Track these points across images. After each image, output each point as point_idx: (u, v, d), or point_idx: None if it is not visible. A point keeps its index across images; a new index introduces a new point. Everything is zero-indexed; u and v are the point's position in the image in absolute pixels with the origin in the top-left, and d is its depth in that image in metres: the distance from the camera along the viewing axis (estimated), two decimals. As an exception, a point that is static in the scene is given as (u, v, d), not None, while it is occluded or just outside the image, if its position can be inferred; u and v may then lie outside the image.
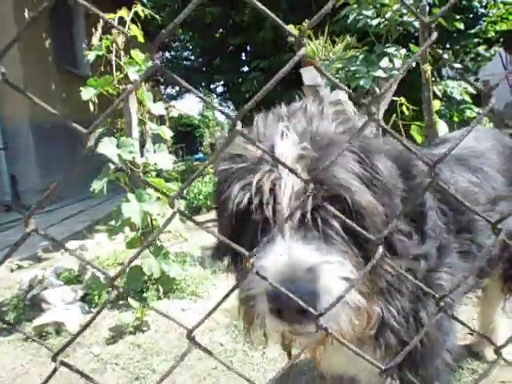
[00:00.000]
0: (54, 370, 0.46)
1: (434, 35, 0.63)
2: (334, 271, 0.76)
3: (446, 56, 7.17)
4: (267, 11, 0.51)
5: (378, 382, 1.00)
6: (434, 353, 1.03)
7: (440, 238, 1.03)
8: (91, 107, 8.55)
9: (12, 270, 3.98)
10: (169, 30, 0.48)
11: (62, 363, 0.46)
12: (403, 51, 3.92)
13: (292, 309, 0.70)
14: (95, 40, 2.94)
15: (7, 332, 2.76)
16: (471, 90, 5.93)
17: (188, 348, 0.55)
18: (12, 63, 7.18)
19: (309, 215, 0.80)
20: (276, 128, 0.90)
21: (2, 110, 7.39)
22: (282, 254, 0.75)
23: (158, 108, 2.98)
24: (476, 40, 8.23)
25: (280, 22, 0.53)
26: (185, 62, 17.38)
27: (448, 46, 9.01)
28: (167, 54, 17.45)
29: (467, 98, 5.76)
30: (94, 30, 9.64)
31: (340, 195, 0.83)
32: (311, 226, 0.81)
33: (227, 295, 0.56)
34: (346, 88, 0.66)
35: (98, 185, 2.67)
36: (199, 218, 4.85)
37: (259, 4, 0.51)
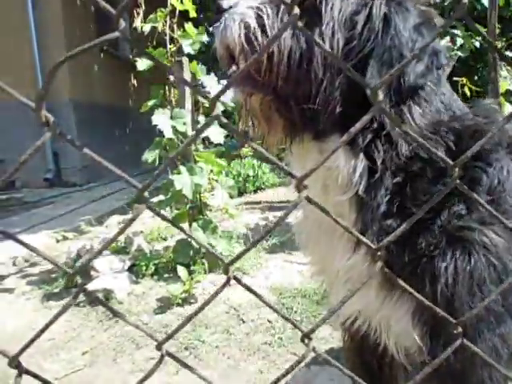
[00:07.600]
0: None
1: None
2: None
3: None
4: None
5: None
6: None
7: None
8: (131, 91, 8.63)
9: (58, 241, 4.06)
10: None
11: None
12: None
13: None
14: (138, 22, 2.94)
15: (58, 297, 2.82)
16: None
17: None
18: (56, 39, 7.30)
19: None
20: None
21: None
22: None
23: (211, 81, 2.94)
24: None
25: None
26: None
27: None
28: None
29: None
30: (135, 13, 9.67)
31: None
32: None
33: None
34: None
35: (150, 155, 2.67)
36: (241, 200, 4.83)
37: None
